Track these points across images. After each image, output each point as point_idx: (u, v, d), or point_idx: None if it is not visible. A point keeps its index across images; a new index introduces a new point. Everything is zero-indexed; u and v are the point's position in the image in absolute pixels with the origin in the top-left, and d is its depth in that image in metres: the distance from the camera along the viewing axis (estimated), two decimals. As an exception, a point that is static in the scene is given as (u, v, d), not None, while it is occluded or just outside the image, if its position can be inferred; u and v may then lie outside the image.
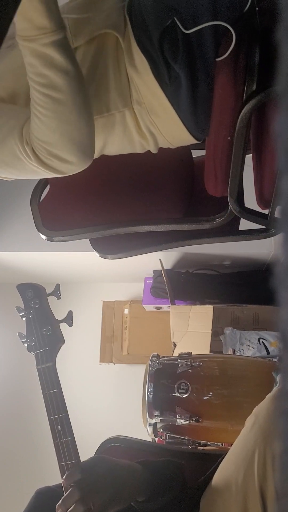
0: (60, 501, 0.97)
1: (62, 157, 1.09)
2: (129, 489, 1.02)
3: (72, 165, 1.11)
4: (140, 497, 1.05)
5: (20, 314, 1.27)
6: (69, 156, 1.09)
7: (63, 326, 1.25)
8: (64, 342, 1.22)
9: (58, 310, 1.28)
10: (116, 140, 1.24)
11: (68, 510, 0.96)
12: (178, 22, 1.12)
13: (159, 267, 2.73)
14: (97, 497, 0.97)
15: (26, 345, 1.24)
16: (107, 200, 1.47)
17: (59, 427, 1.12)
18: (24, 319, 1.26)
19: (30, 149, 1.09)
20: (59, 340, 1.22)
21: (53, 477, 1.13)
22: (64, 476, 1.02)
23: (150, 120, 1.20)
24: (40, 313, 1.25)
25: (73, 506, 0.96)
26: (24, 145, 1.10)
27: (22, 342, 1.25)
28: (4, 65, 1.17)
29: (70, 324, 1.24)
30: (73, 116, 1.05)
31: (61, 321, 1.25)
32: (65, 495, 0.98)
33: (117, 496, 0.99)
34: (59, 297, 1.26)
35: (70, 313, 1.25)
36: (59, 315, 1.26)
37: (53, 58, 1.00)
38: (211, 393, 1.68)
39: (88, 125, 1.09)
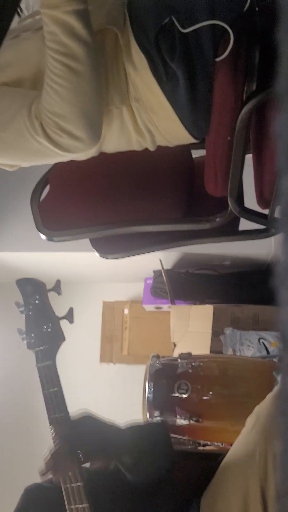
0: (49, 454, 1.03)
1: (71, 132, 1.09)
2: (115, 445, 1.07)
3: (80, 143, 1.11)
4: (126, 457, 1.07)
5: (20, 309, 1.24)
6: (79, 131, 1.09)
7: (63, 326, 1.24)
8: (64, 339, 1.20)
9: (58, 309, 1.27)
10: (113, 135, 1.24)
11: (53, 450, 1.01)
12: (175, 21, 1.12)
13: (159, 267, 2.72)
14: (84, 446, 1.02)
15: (25, 341, 1.22)
16: (107, 200, 1.47)
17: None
18: (23, 314, 1.24)
19: (39, 123, 1.09)
20: (60, 338, 1.20)
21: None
22: (54, 433, 1.08)
23: (148, 118, 1.20)
24: (40, 309, 1.22)
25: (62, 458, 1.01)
26: (33, 119, 1.10)
27: (22, 338, 1.22)
28: (10, 55, 1.18)
29: (71, 321, 1.23)
30: (88, 88, 1.07)
31: (62, 318, 1.23)
32: (53, 449, 1.03)
33: (103, 448, 1.04)
34: (59, 293, 1.24)
35: (71, 310, 1.23)
36: (59, 313, 1.25)
37: (74, 27, 1.02)
38: (211, 393, 1.68)
39: (99, 101, 1.10)
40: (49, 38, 1.04)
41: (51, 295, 1.26)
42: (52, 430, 1.06)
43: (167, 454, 1.11)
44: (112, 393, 3.09)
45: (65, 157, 1.17)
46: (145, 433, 1.13)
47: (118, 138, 1.25)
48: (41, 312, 1.22)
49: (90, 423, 1.07)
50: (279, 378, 1.56)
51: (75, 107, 1.07)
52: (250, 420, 1.06)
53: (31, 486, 1.16)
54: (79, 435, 1.03)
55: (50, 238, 1.50)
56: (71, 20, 1.02)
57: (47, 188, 1.57)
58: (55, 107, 1.06)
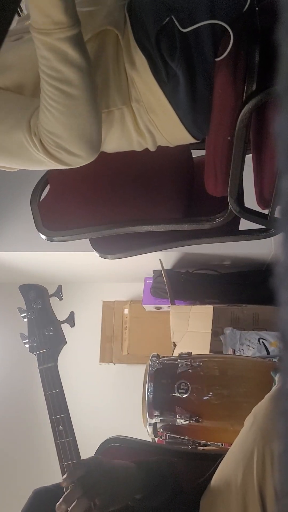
0: (61, 499, 0.97)
1: (70, 151, 1.10)
2: (126, 488, 1.03)
3: (80, 158, 1.12)
4: (137, 495, 1.05)
5: (22, 315, 1.27)
6: (78, 150, 1.10)
7: (64, 326, 1.25)
8: (66, 342, 1.22)
9: (58, 310, 1.28)
10: (114, 137, 1.24)
11: (71, 506, 0.96)
12: (175, 21, 1.12)
13: (159, 267, 2.72)
14: (98, 496, 0.97)
15: (27, 345, 1.24)
16: (107, 200, 1.47)
17: (60, 427, 1.12)
18: (25, 320, 1.26)
19: (38, 140, 1.10)
20: (61, 341, 1.22)
21: (54, 477, 1.13)
22: (65, 475, 1.01)
23: (148, 118, 1.20)
24: (42, 313, 1.25)
25: (76, 501, 0.95)
26: (32, 136, 1.10)
27: (24, 343, 1.24)
28: (12, 57, 1.17)
29: (72, 324, 1.25)
30: (84, 111, 1.06)
31: (63, 321, 1.25)
32: (66, 493, 0.97)
33: (116, 495, 1.00)
34: (61, 298, 1.27)
35: (72, 314, 1.25)
36: (59, 315, 1.26)
37: (67, 54, 1.00)
38: (211, 393, 1.68)
39: (97, 120, 1.10)
40: (42, 62, 1.03)
41: (51, 299, 1.28)
42: (64, 476, 1.01)
43: (175, 487, 1.11)
44: (112, 393, 3.09)
45: (66, 167, 1.17)
46: (154, 470, 1.11)
47: (119, 139, 1.25)
48: (43, 316, 1.25)
49: (101, 469, 1.02)
50: (276, 377, 1.56)
51: (72, 129, 1.07)
52: (248, 420, 1.06)
53: (40, 488, 1.16)
54: (93, 483, 0.98)
55: (50, 238, 1.50)
56: (64, 47, 0.99)
57: (47, 188, 1.57)
58: (53, 128, 1.06)
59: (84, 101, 1.05)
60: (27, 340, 1.24)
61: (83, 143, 1.09)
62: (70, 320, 1.25)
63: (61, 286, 1.27)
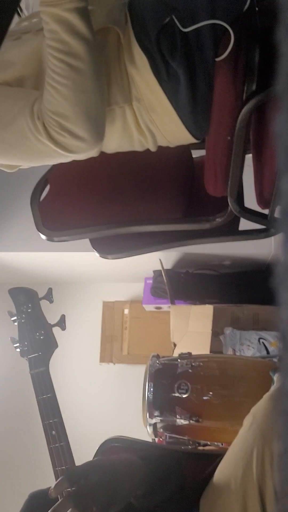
0: (51, 510, 0.90)
1: (74, 132, 1.08)
2: (127, 487, 0.99)
3: (83, 143, 1.10)
4: (139, 491, 1.02)
5: (12, 318, 1.26)
6: (82, 131, 1.08)
7: (62, 327, 1.25)
8: (57, 346, 1.22)
9: (58, 310, 1.27)
10: (115, 135, 1.24)
11: None
12: (176, 20, 1.12)
13: (159, 267, 2.73)
14: (94, 503, 0.92)
15: (18, 350, 1.23)
16: (107, 199, 1.47)
17: (53, 432, 1.11)
18: (16, 323, 1.26)
19: (41, 124, 1.09)
20: (52, 345, 1.22)
21: (50, 480, 1.12)
22: (53, 486, 0.95)
23: (149, 118, 1.20)
24: (33, 317, 1.24)
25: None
26: (35, 120, 1.09)
27: (15, 347, 1.24)
28: (13, 53, 1.18)
29: (63, 328, 1.24)
30: (90, 86, 1.06)
31: (54, 325, 1.24)
32: (56, 503, 0.90)
33: (115, 498, 0.95)
34: (51, 301, 1.26)
35: (62, 317, 1.24)
36: (58, 316, 1.26)
37: (74, 25, 1.02)
38: (211, 393, 1.68)
39: (102, 99, 1.09)
40: (49, 37, 1.04)
41: (56, 296, 1.27)
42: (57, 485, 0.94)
43: (179, 485, 1.08)
44: (112, 393, 3.09)
45: (68, 157, 1.16)
46: (159, 465, 1.07)
47: (120, 138, 1.25)
48: (33, 320, 1.24)
49: (100, 471, 0.96)
50: (275, 377, 1.56)
51: (78, 106, 1.06)
52: (247, 420, 1.06)
53: (36, 492, 1.14)
54: (88, 491, 0.92)
55: (50, 238, 1.50)
56: (72, 17, 1.02)
57: (47, 188, 1.57)
58: (57, 106, 1.06)
59: (90, 76, 1.05)
60: (18, 344, 1.23)
61: (88, 122, 1.08)
62: (61, 323, 1.24)
63: (51, 288, 1.26)
